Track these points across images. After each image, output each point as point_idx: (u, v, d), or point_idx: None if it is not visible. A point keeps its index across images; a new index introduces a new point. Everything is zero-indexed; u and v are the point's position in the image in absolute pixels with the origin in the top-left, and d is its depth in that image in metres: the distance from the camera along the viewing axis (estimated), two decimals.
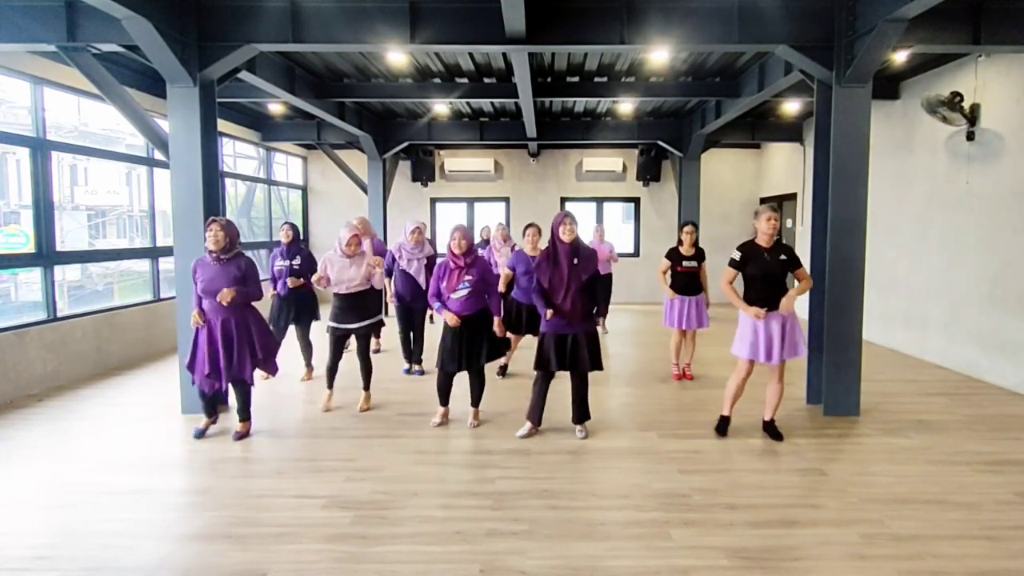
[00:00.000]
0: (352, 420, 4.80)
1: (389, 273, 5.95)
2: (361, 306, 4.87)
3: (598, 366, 4.27)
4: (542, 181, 12.04)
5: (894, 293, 7.53)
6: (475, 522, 3.16)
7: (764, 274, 4.10)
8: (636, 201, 12.08)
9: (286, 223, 5.93)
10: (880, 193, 7.44)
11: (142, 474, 3.79)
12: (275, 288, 5.87)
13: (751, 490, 3.54)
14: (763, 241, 4.17)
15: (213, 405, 4.43)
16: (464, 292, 4.38)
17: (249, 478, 3.75)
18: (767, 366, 4.21)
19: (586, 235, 4.99)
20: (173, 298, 5.81)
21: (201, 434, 4.40)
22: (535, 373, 4.36)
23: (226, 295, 4.02)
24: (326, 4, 4.87)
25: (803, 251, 9.33)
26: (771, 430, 4.41)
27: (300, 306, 5.87)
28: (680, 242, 5.80)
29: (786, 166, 10.71)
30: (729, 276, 4.27)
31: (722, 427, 4.47)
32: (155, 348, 7.28)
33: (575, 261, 4.14)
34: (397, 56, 6.23)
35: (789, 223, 10.64)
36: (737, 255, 4.23)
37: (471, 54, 6.44)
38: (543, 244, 4.72)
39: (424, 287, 5.78)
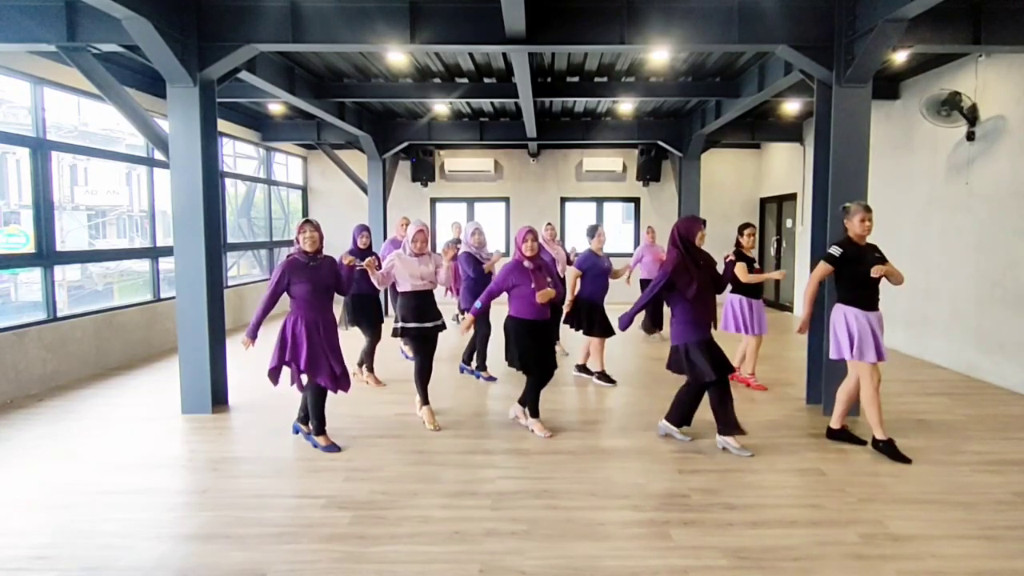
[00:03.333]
0: (352, 420, 4.79)
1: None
2: (433, 304, 4.64)
3: (731, 368, 4.07)
4: (542, 181, 12.04)
5: (894, 293, 7.49)
6: (474, 522, 3.16)
7: (870, 271, 3.88)
8: (636, 201, 12.08)
9: (366, 229, 5.78)
10: (880, 193, 7.43)
11: (142, 474, 3.79)
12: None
13: (751, 490, 3.54)
14: (858, 241, 4.02)
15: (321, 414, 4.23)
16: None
17: (248, 478, 3.75)
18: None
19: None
20: (173, 298, 5.81)
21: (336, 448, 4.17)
22: (686, 383, 4.17)
23: (350, 258, 4.17)
24: (326, 4, 4.87)
25: (803, 251, 9.37)
26: (846, 436, 4.28)
27: (370, 308, 5.79)
28: (741, 244, 5.52)
29: (786, 166, 10.71)
30: (825, 272, 4.01)
31: (895, 450, 3.98)
32: (155, 348, 7.28)
33: (701, 263, 4.06)
34: (397, 56, 6.24)
35: (789, 223, 10.64)
36: (837, 251, 3.93)
37: (471, 54, 6.44)
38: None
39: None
